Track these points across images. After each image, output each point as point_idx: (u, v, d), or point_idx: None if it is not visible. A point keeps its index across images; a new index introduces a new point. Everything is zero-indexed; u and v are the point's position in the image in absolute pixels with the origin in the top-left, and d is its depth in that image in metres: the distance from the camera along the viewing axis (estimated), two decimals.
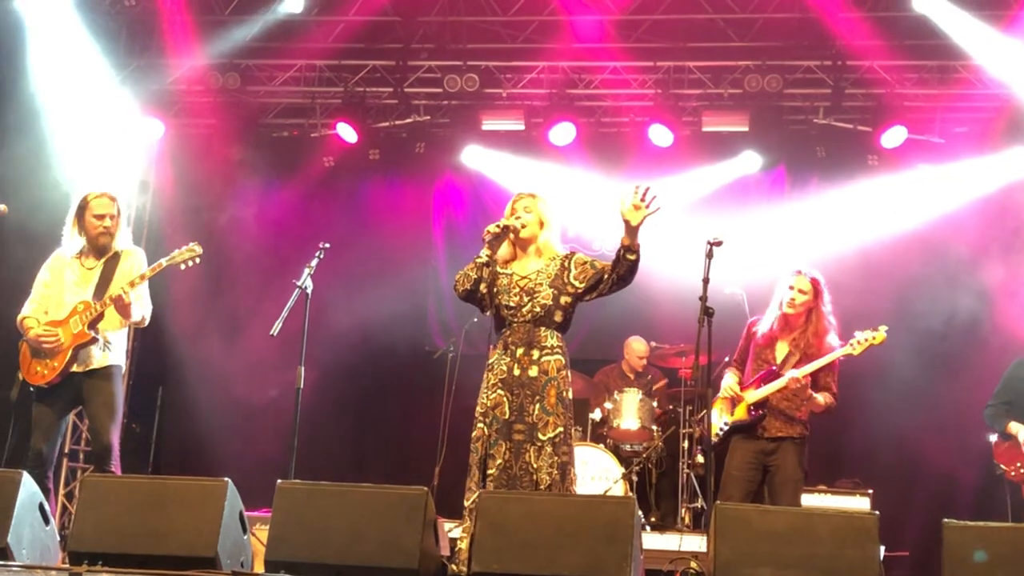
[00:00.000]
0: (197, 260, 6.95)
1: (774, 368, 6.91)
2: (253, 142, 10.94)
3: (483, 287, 5.98)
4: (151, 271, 6.85)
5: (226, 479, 5.29)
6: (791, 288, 6.92)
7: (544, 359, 5.94)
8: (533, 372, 5.90)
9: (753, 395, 6.90)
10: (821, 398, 6.86)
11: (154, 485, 5.51)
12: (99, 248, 6.94)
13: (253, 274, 7.50)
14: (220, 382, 10.20)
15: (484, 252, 6.00)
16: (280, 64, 10.85)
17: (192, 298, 7.20)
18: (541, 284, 5.98)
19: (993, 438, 7.53)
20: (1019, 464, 7.19)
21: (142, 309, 6.90)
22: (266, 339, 6.59)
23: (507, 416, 5.85)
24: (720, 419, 7.09)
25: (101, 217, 6.89)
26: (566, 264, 6.05)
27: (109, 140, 10.44)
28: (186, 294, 7.18)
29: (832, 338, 6.90)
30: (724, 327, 6.92)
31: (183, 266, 6.92)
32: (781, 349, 6.98)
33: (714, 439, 7.14)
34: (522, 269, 6.07)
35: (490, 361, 6.06)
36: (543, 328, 5.98)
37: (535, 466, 5.77)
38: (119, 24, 10.50)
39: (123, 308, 6.69)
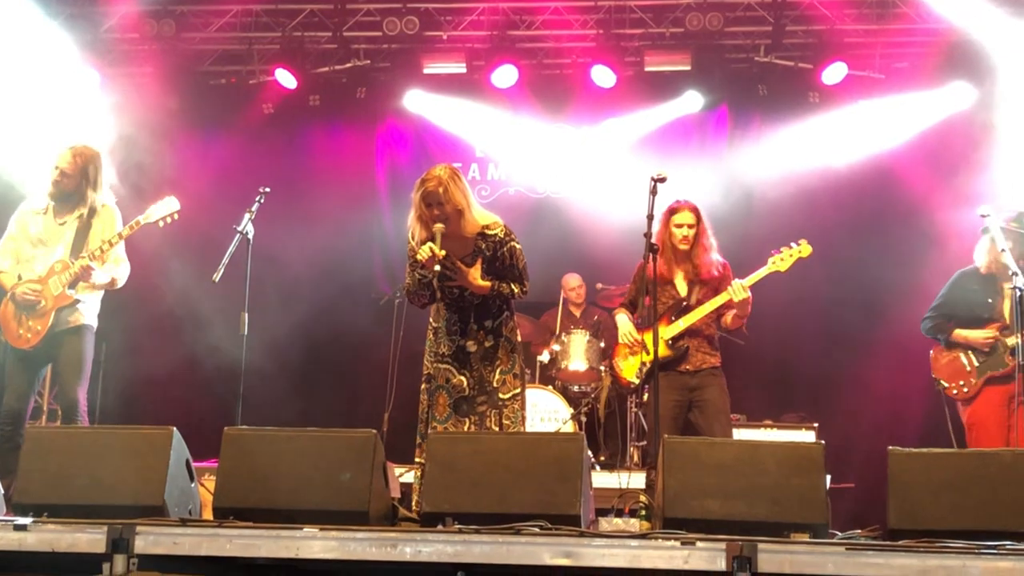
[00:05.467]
0: (175, 217, 6.90)
1: (683, 302, 7.05)
2: (191, 90, 10.76)
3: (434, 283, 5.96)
4: (127, 230, 6.81)
5: (172, 427, 5.23)
6: (678, 226, 7.02)
7: (497, 323, 6.04)
8: (490, 343, 6.03)
9: (669, 330, 6.99)
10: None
11: (98, 435, 5.46)
12: (59, 201, 6.86)
13: (193, 223, 7.36)
14: (163, 331, 10.10)
15: (422, 270, 5.91)
16: (215, 10, 10.67)
17: (132, 246, 7.09)
18: (478, 268, 5.95)
19: (931, 352, 7.41)
20: (962, 382, 7.14)
21: (111, 272, 6.85)
22: (209, 286, 6.52)
23: (466, 393, 5.97)
24: (637, 359, 7.19)
25: (55, 169, 6.83)
26: (500, 254, 5.99)
27: (43, 90, 10.22)
28: (126, 242, 7.05)
29: (715, 255, 7.10)
30: None
31: (160, 223, 6.86)
32: (680, 284, 7.11)
33: (636, 380, 7.25)
34: (457, 250, 5.99)
35: (436, 325, 6.09)
36: (488, 300, 6.02)
37: (501, 425, 5.94)
38: None
39: (86, 274, 6.68)
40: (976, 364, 7.13)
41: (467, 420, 5.95)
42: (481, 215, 6.03)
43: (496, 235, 5.99)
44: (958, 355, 7.20)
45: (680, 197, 7.18)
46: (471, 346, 6.00)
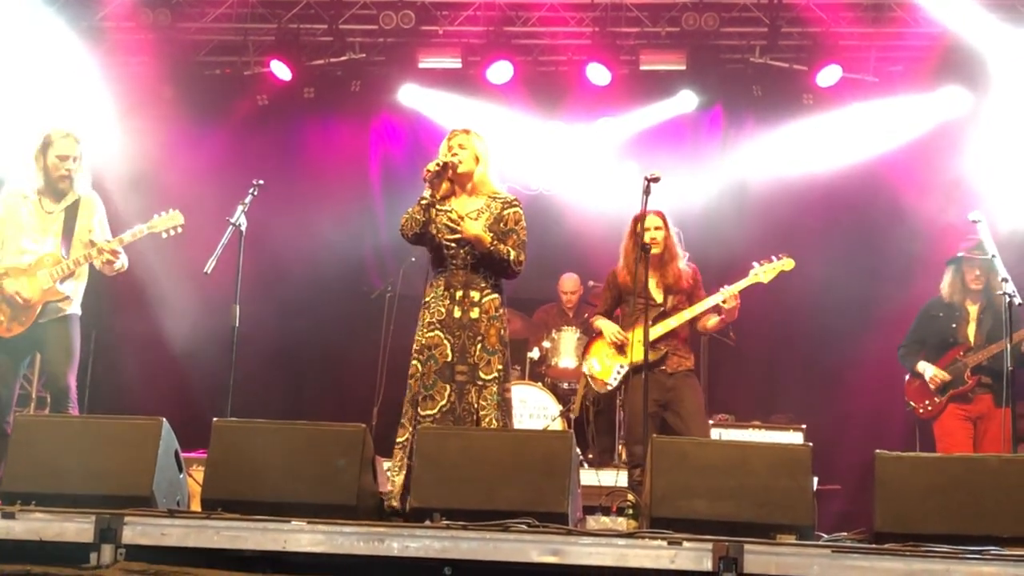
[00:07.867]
0: (179, 230, 6.89)
1: (659, 308, 7.09)
2: (185, 80, 10.71)
3: (432, 228, 6.03)
4: (130, 237, 6.79)
5: (161, 418, 5.24)
6: (647, 230, 6.99)
7: (484, 299, 6.02)
8: (474, 314, 6.02)
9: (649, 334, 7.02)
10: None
11: (88, 424, 5.48)
12: (57, 191, 6.80)
13: (186, 214, 7.34)
14: (154, 322, 10.08)
15: (427, 192, 6.06)
16: (211, 0, 10.64)
17: None
18: (481, 221, 6.06)
19: (906, 377, 7.93)
20: (927, 402, 7.68)
21: (123, 258, 6.86)
22: (200, 277, 6.52)
23: (448, 358, 5.95)
24: (614, 362, 7.25)
25: (64, 158, 6.75)
26: (505, 213, 6.14)
27: (37, 77, 10.19)
28: (117, 234, 7.03)
29: (682, 263, 7.21)
30: None
31: (164, 235, 6.85)
32: (655, 290, 7.14)
33: (611, 383, 7.29)
34: (462, 207, 6.13)
35: (427, 299, 6.13)
36: (482, 268, 6.02)
37: (478, 405, 5.89)
38: None
39: (115, 257, 6.71)
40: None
41: (446, 387, 5.92)
42: (497, 184, 6.28)
43: (506, 197, 6.21)
44: (926, 381, 7.75)
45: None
46: (456, 311, 6.00)
